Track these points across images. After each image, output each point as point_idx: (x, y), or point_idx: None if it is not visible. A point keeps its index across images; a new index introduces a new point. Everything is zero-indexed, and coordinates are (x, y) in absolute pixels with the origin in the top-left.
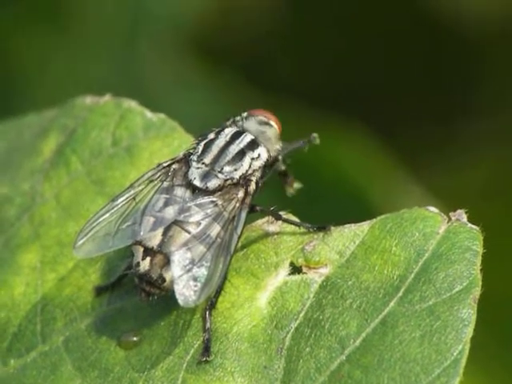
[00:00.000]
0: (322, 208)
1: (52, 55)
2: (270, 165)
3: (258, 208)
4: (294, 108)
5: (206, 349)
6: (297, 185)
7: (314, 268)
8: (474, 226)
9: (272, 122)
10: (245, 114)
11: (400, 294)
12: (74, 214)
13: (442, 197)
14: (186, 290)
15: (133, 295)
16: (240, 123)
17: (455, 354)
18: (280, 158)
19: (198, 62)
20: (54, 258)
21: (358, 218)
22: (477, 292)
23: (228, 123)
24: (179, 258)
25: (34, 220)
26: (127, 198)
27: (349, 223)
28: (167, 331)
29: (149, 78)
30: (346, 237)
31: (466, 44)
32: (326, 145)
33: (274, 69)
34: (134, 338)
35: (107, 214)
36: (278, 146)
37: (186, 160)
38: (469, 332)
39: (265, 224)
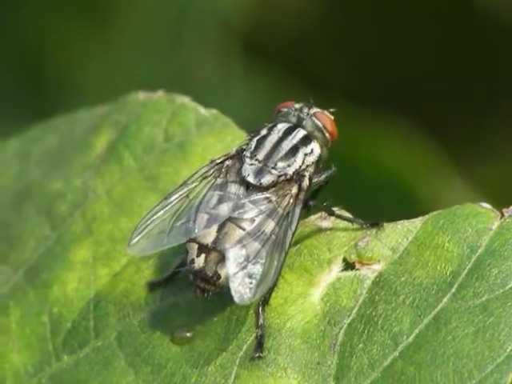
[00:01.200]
0: (367, 204)
1: (97, 52)
2: (323, 158)
3: (311, 203)
4: (338, 104)
5: (260, 345)
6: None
7: (367, 264)
8: None
9: (327, 128)
10: (306, 110)
11: (453, 290)
12: (126, 210)
13: (490, 191)
14: (241, 288)
15: (186, 291)
16: (300, 115)
17: (508, 350)
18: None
19: (242, 58)
20: (106, 253)
21: (405, 215)
22: None
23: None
24: (234, 255)
25: (87, 216)
26: (181, 196)
27: (397, 220)
28: (220, 327)
29: (194, 74)
30: (399, 233)
31: (507, 33)
32: (369, 141)
33: (317, 65)
34: (188, 334)
35: (161, 212)
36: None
37: (238, 156)
38: None
39: (318, 220)
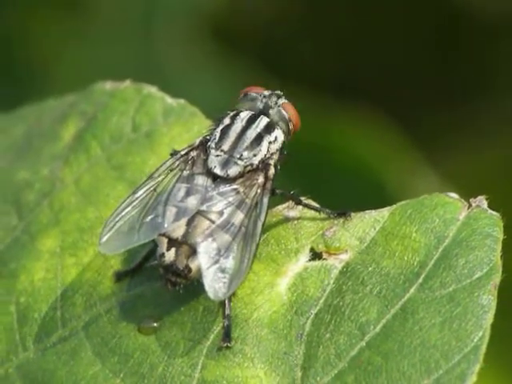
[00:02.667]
0: (337, 193)
1: (68, 41)
2: (286, 146)
3: (278, 192)
4: (308, 93)
5: (227, 335)
6: None
7: (335, 254)
8: (494, 212)
9: (292, 120)
10: (275, 98)
11: (420, 280)
12: (93, 200)
13: (459, 181)
14: (215, 283)
15: (153, 281)
16: (268, 103)
17: (475, 340)
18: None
19: (213, 46)
20: (73, 243)
21: (373, 203)
22: (497, 278)
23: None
24: (205, 248)
25: (54, 205)
26: (148, 189)
27: (365, 209)
28: (187, 317)
29: (164, 62)
30: (367, 223)
31: (481, 24)
32: (340, 130)
33: (287, 53)
34: (154, 324)
35: (129, 208)
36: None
37: (203, 147)
38: (489, 318)
39: (285, 209)
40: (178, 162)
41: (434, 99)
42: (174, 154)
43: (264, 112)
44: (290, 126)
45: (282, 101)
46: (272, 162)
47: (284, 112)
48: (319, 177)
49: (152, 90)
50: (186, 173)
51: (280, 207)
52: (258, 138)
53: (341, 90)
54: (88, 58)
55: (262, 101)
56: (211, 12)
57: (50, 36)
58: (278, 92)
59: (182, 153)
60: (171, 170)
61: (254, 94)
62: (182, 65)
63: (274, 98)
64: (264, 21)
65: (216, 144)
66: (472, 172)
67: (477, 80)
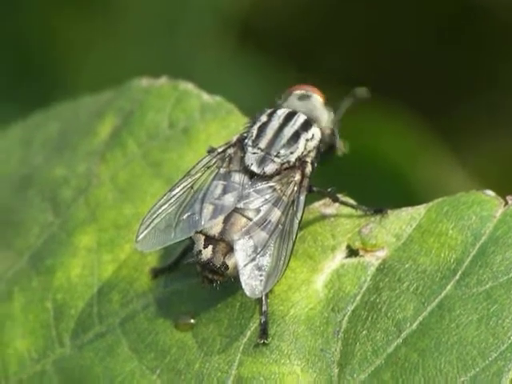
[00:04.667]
0: (365, 190)
1: (95, 40)
2: (323, 143)
3: (315, 189)
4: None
5: (263, 331)
6: (344, 148)
7: (371, 251)
8: None
9: (314, 94)
10: (284, 94)
11: (457, 277)
12: (130, 196)
13: (487, 178)
14: (251, 280)
15: (189, 278)
16: (284, 103)
17: None
18: (334, 132)
19: (240, 42)
20: (110, 240)
21: (401, 201)
22: None
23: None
24: (242, 245)
25: (90, 202)
26: (185, 187)
27: (393, 205)
28: (224, 313)
29: (191, 62)
30: (403, 220)
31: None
32: (368, 127)
33: (315, 50)
34: (191, 320)
35: (166, 205)
36: (328, 119)
37: (240, 144)
38: None
39: (322, 206)
40: (214, 160)
41: (461, 97)
42: (210, 151)
43: (297, 109)
44: (315, 95)
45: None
46: (309, 159)
47: (294, 93)
48: (346, 174)
49: (188, 86)
50: (222, 170)
51: (317, 204)
52: (295, 136)
53: (367, 86)
54: (114, 58)
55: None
56: (236, 11)
57: (76, 34)
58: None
59: (219, 150)
60: (208, 168)
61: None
62: (208, 64)
63: (280, 95)
64: (289, 17)
65: (253, 141)
66: (501, 166)
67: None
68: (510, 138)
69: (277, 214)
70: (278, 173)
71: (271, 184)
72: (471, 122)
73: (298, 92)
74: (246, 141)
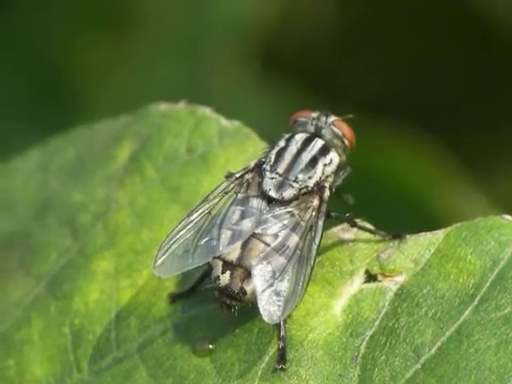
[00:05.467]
0: (383, 216)
1: (115, 63)
2: (342, 168)
3: (333, 214)
4: (357, 116)
5: (282, 356)
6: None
7: (389, 276)
8: None
9: (346, 136)
10: (324, 118)
11: (475, 302)
12: (148, 222)
13: (505, 203)
14: (269, 306)
15: (207, 303)
16: (318, 124)
17: None
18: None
19: (261, 69)
20: (128, 265)
21: (419, 226)
22: None
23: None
24: (260, 271)
25: (109, 227)
26: (203, 212)
27: (412, 231)
28: (242, 338)
29: (212, 86)
30: (421, 245)
31: None
32: (385, 151)
33: (331, 75)
34: (209, 346)
35: (184, 230)
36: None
37: (258, 170)
38: None
39: (340, 231)
40: (232, 185)
41: (478, 122)
42: (228, 176)
43: (317, 134)
44: (346, 142)
45: (332, 118)
46: (327, 184)
47: (336, 129)
48: (365, 199)
49: (207, 111)
50: (240, 195)
51: (335, 229)
52: (313, 161)
53: (388, 112)
54: (133, 82)
55: (312, 123)
56: (258, 37)
57: (95, 58)
58: (326, 111)
59: (237, 175)
60: (226, 193)
61: (304, 119)
62: (229, 88)
63: (323, 118)
64: (313, 44)
65: (271, 166)
66: None
67: None
68: None
69: (295, 239)
70: (296, 198)
71: (289, 209)
72: (494, 148)
73: (334, 127)
74: (264, 166)
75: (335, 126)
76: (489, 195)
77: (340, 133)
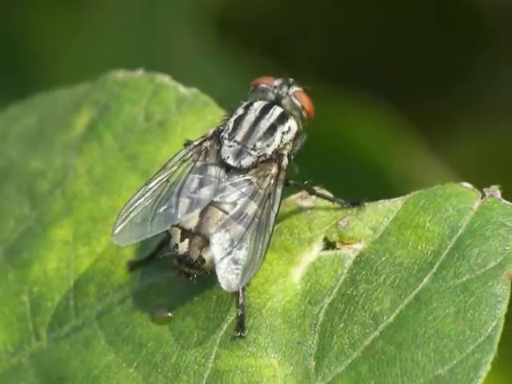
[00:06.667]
0: (339, 182)
1: (72, 32)
2: (299, 136)
3: (291, 182)
4: (311, 81)
5: (240, 324)
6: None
7: (348, 244)
8: (508, 202)
9: (306, 108)
10: (286, 88)
11: (434, 270)
12: (106, 189)
13: (463, 167)
14: (228, 274)
15: (166, 271)
16: (279, 93)
17: (489, 330)
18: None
19: (218, 35)
20: (86, 232)
21: (378, 193)
22: (511, 268)
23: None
24: (218, 239)
25: (67, 195)
26: (161, 181)
27: (366, 197)
28: (200, 306)
29: (169, 55)
30: (380, 212)
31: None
32: (342, 118)
33: (290, 42)
34: (168, 314)
35: (142, 199)
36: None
37: (216, 137)
38: (503, 308)
39: (298, 199)
40: (191, 153)
41: (433, 82)
42: (187, 144)
43: (277, 102)
44: (304, 114)
45: (294, 89)
46: (285, 152)
47: (296, 101)
48: (321, 166)
49: (165, 79)
50: (199, 163)
51: (293, 197)
52: (272, 129)
53: (342, 77)
54: (90, 50)
55: (273, 92)
56: (215, 4)
57: (52, 26)
58: (289, 80)
59: (196, 143)
60: (184, 161)
61: (265, 86)
62: (187, 57)
63: (284, 88)
64: (268, 11)
65: (229, 134)
66: (476, 158)
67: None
68: (488, 129)
69: (253, 207)
70: (254, 166)
71: (247, 177)
72: (449, 114)
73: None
74: (223, 134)
75: (296, 97)
76: (445, 157)
77: (299, 104)
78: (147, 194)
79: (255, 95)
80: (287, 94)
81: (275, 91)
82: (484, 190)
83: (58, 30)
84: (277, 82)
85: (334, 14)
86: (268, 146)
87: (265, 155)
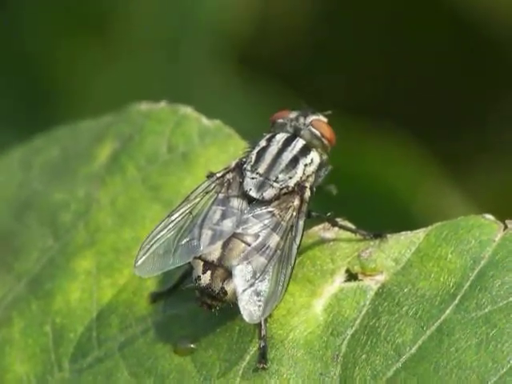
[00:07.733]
0: (364, 216)
1: (97, 67)
2: (323, 167)
3: (314, 214)
4: (336, 117)
5: (263, 355)
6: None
7: (370, 275)
8: None
9: (325, 136)
10: (302, 119)
11: (456, 301)
12: (129, 221)
13: (485, 202)
14: (250, 306)
15: (188, 302)
16: (296, 125)
17: (511, 361)
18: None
19: (241, 69)
20: (109, 264)
21: (400, 226)
22: None
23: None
24: (241, 271)
25: (90, 226)
26: (184, 212)
27: (389, 230)
28: (223, 338)
29: (192, 85)
30: (402, 244)
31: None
32: (369, 153)
33: (313, 76)
34: (191, 345)
35: (165, 230)
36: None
37: (239, 169)
38: None
39: (321, 230)
40: (213, 185)
41: (458, 123)
42: (209, 176)
43: (297, 134)
44: (325, 142)
45: (311, 119)
46: (308, 184)
47: (315, 130)
48: (346, 199)
49: (188, 110)
50: (221, 195)
51: (316, 228)
52: (294, 161)
53: (366, 112)
54: (115, 84)
55: (290, 125)
56: (237, 37)
57: (77, 60)
58: (305, 111)
59: (218, 175)
60: (207, 193)
61: (282, 120)
62: (210, 89)
63: (301, 119)
64: (290, 45)
65: (252, 166)
66: (498, 193)
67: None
68: (503, 165)
69: (275, 239)
70: (276, 198)
71: (270, 209)
72: (467, 149)
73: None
74: (245, 166)
75: (313, 126)
76: (466, 191)
77: (318, 133)
78: (170, 226)
79: (275, 130)
80: (304, 124)
81: (292, 124)
82: (506, 221)
83: (85, 64)
84: (292, 115)
85: (364, 48)
86: (290, 178)
87: (287, 187)
